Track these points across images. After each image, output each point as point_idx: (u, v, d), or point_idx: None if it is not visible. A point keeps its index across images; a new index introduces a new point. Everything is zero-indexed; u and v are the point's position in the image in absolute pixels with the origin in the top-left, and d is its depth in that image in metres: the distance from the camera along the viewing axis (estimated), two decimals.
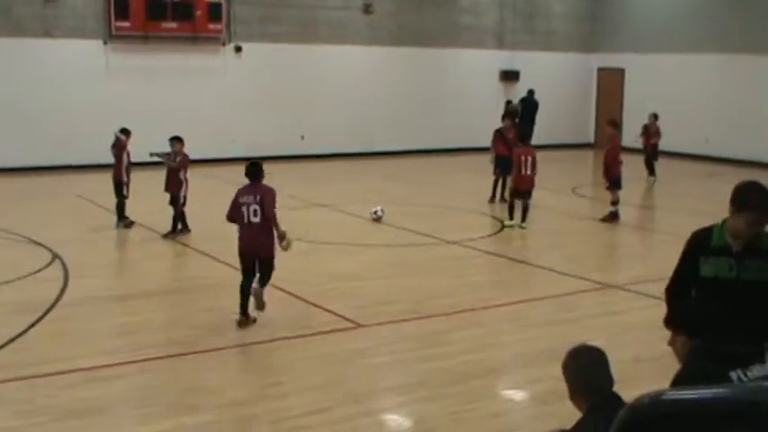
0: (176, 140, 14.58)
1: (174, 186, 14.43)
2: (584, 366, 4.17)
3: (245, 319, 9.64)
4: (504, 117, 19.12)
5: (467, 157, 23.90)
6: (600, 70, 30.87)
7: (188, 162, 14.64)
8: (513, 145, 17.48)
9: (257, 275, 9.72)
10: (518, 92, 28.22)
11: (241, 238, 9.89)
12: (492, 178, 18.25)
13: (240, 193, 9.85)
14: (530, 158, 15.42)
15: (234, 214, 9.87)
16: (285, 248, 9.91)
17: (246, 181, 9.92)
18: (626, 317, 10.28)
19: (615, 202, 16.11)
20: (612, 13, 30.22)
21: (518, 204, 15.54)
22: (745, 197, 4.86)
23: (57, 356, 8.52)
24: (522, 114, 25.16)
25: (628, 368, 7.46)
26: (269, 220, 9.66)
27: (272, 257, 9.79)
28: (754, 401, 2.49)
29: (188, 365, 8.41)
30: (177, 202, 14.45)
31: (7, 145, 21.84)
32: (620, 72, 29.86)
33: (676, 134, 25.26)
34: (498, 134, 18.38)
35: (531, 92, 26.46)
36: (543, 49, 29.85)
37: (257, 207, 9.65)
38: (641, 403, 2.52)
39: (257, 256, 9.76)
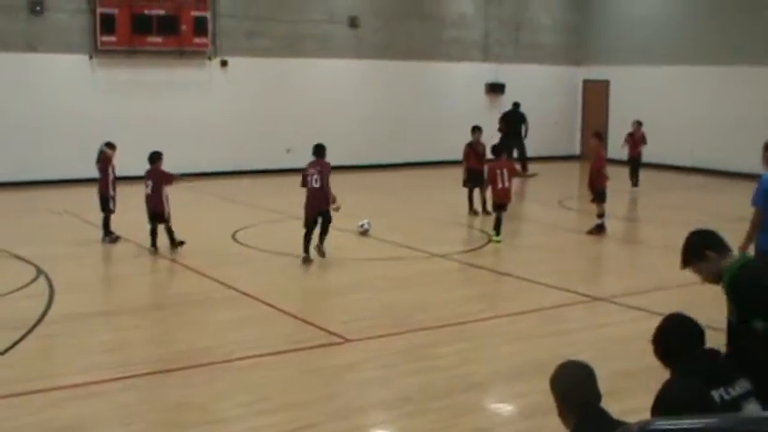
0: (157, 156, 14.53)
1: (162, 203, 14.31)
2: (572, 382, 4.17)
3: (307, 257, 13.47)
4: (474, 130, 19.06)
5: (453, 171, 23.83)
6: (585, 82, 31.00)
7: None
8: (484, 158, 17.93)
9: (317, 227, 13.62)
10: (504, 105, 28.31)
11: (307, 199, 13.82)
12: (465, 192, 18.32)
13: (307, 166, 14.04)
14: (505, 171, 15.42)
15: (304, 181, 13.91)
16: (336, 209, 13.74)
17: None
18: (613, 329, 10.27)
19: (601, 215, 16.13)
20: (598, 26, 30.38)
21: (493, 216, 15.55)
22: None
23: (41, 374, 8.46)
24: (505, 128, 25.30)
25: (616, 382, 7.45)
26: (324, 186, 13.63)
27: (328, 212, 13.63)
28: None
29: (174, 382, 8.36)
30: (165, 218, 14.33)
31: None
32: (606, 84, 30.00)
33: (661, 146, 25.43)
34: (469, 147, 18.50)
35: (516, 105, 26.53)
36: (529, 62, 29.94)
37: (318, 176, 13.68)
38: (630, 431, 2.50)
39: (318, 211, 13.60)
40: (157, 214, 14.29)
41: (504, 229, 15.46)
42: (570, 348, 8.94)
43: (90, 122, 21.94)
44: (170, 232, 14.31)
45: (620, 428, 2.57)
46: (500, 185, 15.40)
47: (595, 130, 19.11)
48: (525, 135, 26.09)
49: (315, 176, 13.72)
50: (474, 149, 18.42)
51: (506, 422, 7.65)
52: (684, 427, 2.59)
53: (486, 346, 9.68)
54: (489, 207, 17.23)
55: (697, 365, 4.46)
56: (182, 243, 14.33)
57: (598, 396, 4.14)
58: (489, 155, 17.05)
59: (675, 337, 4.60)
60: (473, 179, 18.14)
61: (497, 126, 25.75)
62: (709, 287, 5.26)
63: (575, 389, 4.13)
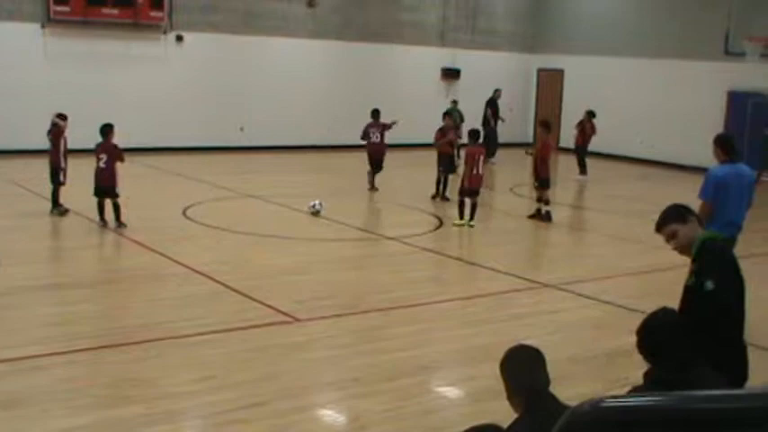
0: (109, 129, 14.34)
1: (114, 178, 14.15)
2: (521, 366, 4.18)
3: (372, 187, 18.95)
4: (445, 115, 19.26)
5: (407, 153, 23.90)
6: (540, 71, 31.15)
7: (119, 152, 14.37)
8: (453, 143, 18.39)
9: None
10: (458, 89, 28.39)
11: (370, 149, 19.52)
12: (434, 176, 18.37)
13: (369, 126, 19.70)
14: (481, 157, 15.51)
15: (364, 136, 19.62)
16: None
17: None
18: (562, 316, 10.36)
19: (547, 202, 16.26)
20: (553, 15, 30.54)
21: (467, 202, 15.56)
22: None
23: None
24: (493, 115, 25.62)
25: (563, 367, 7.51)
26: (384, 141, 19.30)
27: (384, 158, 19.30)
28: (690, 409, 2.50)
29: (120, 357, 8.27)
30: (116, 194, 14.17)
31: None
32: (560, 73, 30.18)
33: (611, 135, 25.75)
34: (440, 133, 18.58)
35: (497, 91, 26.67)
36: (485, 48, 30.01)
37: (379, 133, 19.41)
38: (581, 410, 2.51)
39: (380, 158, 19.24)
40: (108, 189, 14.11)
41: (455, 215, 15.53)
42: (519, 333, 9.01)
43: (41, 93, 21.58)
44: (117, 208, 14.12)
45: (571, 408, 2.57)
46: (475, 171, 15.43)
47: (542, 119, 19.26)
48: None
49: (377, 133, 19.41)
50: (444, 135, 18.50)
51: (454, 405, 7.69)
52: (636, 404, 2.60)
53: (436, 329, 9.71)
54: (448, 193, 17.39)
55: (671, 376, 4.27)
56: (124, 225, 14.13)
57: (547, 380, 4.15)
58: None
59: (662, 336, 4.47)
60: (444, 164, 18.20)
61: (485, 113, 26.03)
62: (655, 277, 5.36)
63: (523, 373, 4.14)
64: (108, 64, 23.46)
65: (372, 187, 19.15)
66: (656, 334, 4.45)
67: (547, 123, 17.12)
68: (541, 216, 16.21)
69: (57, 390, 7.42)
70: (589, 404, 2.51)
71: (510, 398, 4.16)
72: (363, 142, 19.70)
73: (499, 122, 26.69)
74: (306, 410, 7.30)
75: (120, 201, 14.17)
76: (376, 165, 19.28)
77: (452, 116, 19.77)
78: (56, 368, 7.88)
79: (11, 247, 12.34)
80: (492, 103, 26.57)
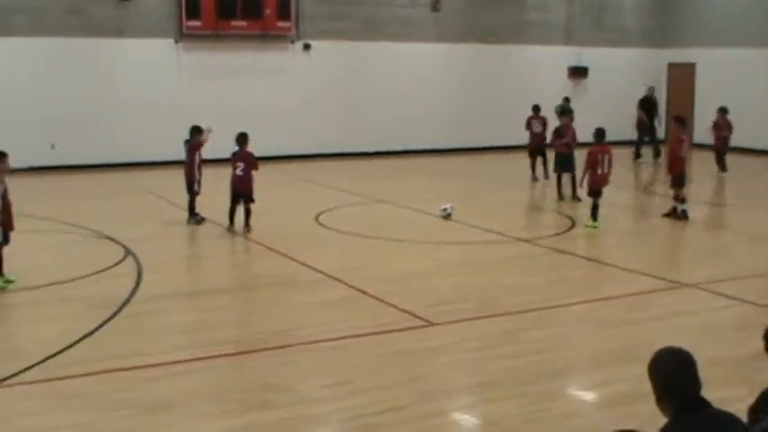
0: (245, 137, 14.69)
1: (251, 185, 14.54)
2: (672, 369, 4.04)
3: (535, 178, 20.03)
4: (560, 114, 19.10)
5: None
6: (670, 65, 30.40)
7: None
8: (573, 143, 18.14)
9: None
10: (586, 87, 28.01)
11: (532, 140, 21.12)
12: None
13: (530, 118, 21.29)
14: (606, 157, 15.21)
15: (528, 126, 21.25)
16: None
17: None
18: (702, 317, 10.08)
19: (683, 200, 15.82)
20: (684, 5, 29.75)
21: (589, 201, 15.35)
22: None
23: (131, 351, 8.61)
24: (646, 115, 25.17)
25: (704, 370, 7.24)
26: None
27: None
28: None
29: (259, 362, 8.43)
30: (253, 199, 14.54)
31: (81, 143, 22.24)
32: (692, 67, 29.38)
33: (749, 130, 24.84)
34: (556, 133, 18.46)
35: (650, 89, 26.19)
36: (612, 45, 29.51)
37: (542, 127, 21.05)
38: None
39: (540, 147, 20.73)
40: (245, 195, 14.47)
41: (587, 216, 15.30)
42: (658, 335, 8.81)
43: (175, 106, 22.24)
44: (249, 213, 14.51)
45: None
46: (599, 171, 15.18)
47: (676, 114, 18.71)
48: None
49: (538, 126, 21.06)
50: (560, 134, 18.36)
51: (593, 409, 7.56)
52: None
53: (572, 331, 9.58)
54: (579, 193, 17.10)
55: None
56: (251, 229, 14.49)
57: (699, 384, 4.03)
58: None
59: None
60: (560, 164, 18.05)
61: (637, 114, 25.66)
62: None
63: (674, 376, 4.01)
64: (238, 75, 24.01)
65: (535, 178, 20.77)
66: None
67: (681, 119, 16.69)
68: (677, 214, 15.81)
69: (201, 394, 7.62)
70: None
71: (659, 401, 4.04)
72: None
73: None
74: (444, 415, 7.30)
75: (254, 207, 14.50)
76: (539, 153, 20.79)
77: (568, 115, 19.35)
78: (200, 373, 8.09)
79: (151, 255, 12.75)
80: (645, 103, 25.92)
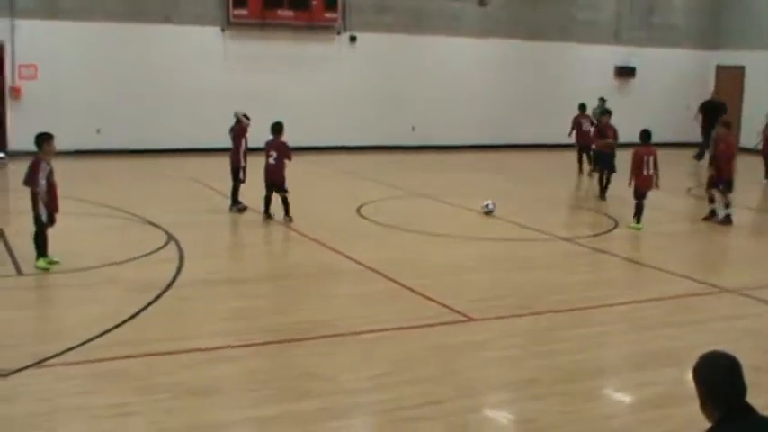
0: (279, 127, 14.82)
1: (282, 174, 14.65)
2: (718, 373, 4.00)
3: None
4: (602, 114, 19.05)
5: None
6: (719, 68, 30.06)
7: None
8: (615, 143, 18.30)
9: None
10: (633, 88, 27.80)
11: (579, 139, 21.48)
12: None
13: (578, 117, 21.63)
14: (651, 158, 15.08)
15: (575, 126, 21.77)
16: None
17: None
18: (744, 322, 9.96)
19: (728, 205, 15.68)
20: (735, 7, 29.40)
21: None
22: None
23: (172, 336, 8.69)
24: (703, 119, 24.83)
25: (747, 376, 7.18)
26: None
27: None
28: None
29: (300, 351, 8.47)
30: (285, 189, 14.61)
31: (126, 128, 22.44)
32: (741, 70, 29.03)
33: None
34: (597, 132, 18.57)
35: (714, 93, 25.90)
36: (661, 45, 29.26)
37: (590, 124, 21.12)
38: None
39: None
40: (277, 184, 14.56)
41: (630, 218, 15.20)
42: (698, 339, 8.74)
43: (220, 94, 22.38)
44: (286, 203, 14.59)
45: None
46: (644, 172, 15.06)
47: (723, 118, 18.39)
48: None
49: (586, 123, 21.44)
50: (601, 133, 18.43)
51: (634, 410, 7.51)
52: None
53: (612, 332, 9.54)
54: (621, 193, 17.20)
55: None
56: (291, 219, 14.55)
57: (745, 390, 3.99)
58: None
59: None
60: (600, 162, 18.20)
61: (694, 116, 25.39)
62: None
63: (720, 381, 3.96)
64: (283, 65, 24.10)
65: (581, 172, 21.44)
66: None
67: (728, 123, 16.51)
68: (719, 219, 15.65)
69: (241, 381, 7.68)
70: None
71: (703, 406, 4.00)
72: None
73: None
74: (482, 410, 7.30)
75: (294, 197, 14.56)
76: (586, 150, 21.17)
77: (608, 114, 19.16)
78: (239, 360, 8.14)
79: (193, 241, 12.87)
80: (707, 107, 25.50)
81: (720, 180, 15.77)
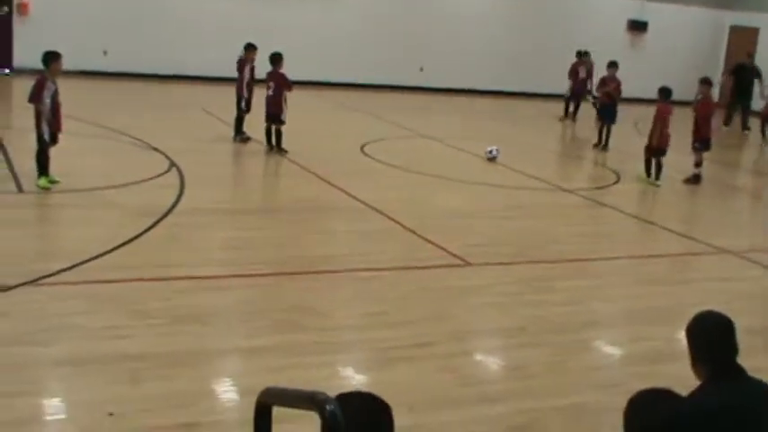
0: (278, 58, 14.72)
1: (280, 106, 14.60)
2: (711, 333, 4.00)
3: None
4: (609, 66, 18.91)
5: (585, 105, 23.42)
6: (732, 28, 29.73)
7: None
8: (617, 95, 18.43)
9: None
10: (645, 43, 27.54)
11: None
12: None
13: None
14: (670, 116, 14.92)
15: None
16: None
17: None
18: (740, 284, 9.98)
19: (699, 164, 15.40)
20: None
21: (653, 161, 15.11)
22: None
23: (169, 262, 8.72)
24: (733, 84, 24.12)
25: (739, 338, 7.22)
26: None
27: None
28: None
29: (295, 285, 8.49)
30: (281, 120, 14.63)
31: (133, 51, 22.24)
32: (755, 31, 28.71)
33: None
34: (602, 82, 18.88)
35: (750, 57, 25.15)
36: (675, 2, 28.90)
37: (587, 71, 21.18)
38: None
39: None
40: (274, 115, 14.58)
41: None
42: (693, 299, 8.76)
43: (231, 24, 22.18)
44: (279, 135, 14.62)
45: None
46: (667, 129, 14.93)
47: (703, 76, 17.91)
48: (762, 92, 23.24)
49: (582, 71, 21.88)
50: (605, 83, 18.52)
51: (622, 364, 7.55)
52: None
53: (607, 285, 9.56)
54: (609, 146, 18.00)
55: None
56: (285, 151, 14.53)
57: (736, 351, 3.99)
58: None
59: None
60: (603, 114, 18.28)
61: (723, 78, 24.82)
62: None
63: (713, 340, 3.96)
64: None
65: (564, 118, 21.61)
66: None
67: (708, 80, 16.09)
68: (693, 178, 15.42)
69: (235, 311, 7.73)
70: None
71: (694, 365, 4.01)
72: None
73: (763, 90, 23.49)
74: (472, 354, 7.34)
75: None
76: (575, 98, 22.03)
77: (614, 66, 18.97)
78: (233, 290, 8.18)
79: (194, 169, 12.84)
80: (738, 70, 24.62)
81: (697, 138, 15.57)
